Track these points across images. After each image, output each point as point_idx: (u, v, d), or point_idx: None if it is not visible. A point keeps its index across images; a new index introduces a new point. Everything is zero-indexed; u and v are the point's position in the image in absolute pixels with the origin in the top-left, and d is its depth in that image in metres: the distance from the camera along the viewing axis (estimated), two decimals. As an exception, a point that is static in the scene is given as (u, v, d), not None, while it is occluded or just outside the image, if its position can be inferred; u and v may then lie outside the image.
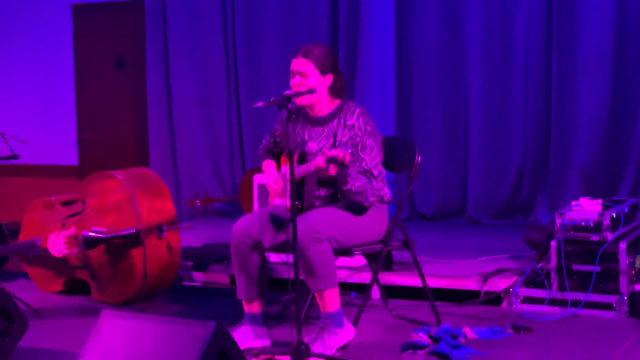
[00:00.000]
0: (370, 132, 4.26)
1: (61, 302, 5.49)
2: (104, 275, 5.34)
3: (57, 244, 5.34)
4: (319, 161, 3.94)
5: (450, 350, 4.12)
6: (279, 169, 4.54)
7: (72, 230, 5.34)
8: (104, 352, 3.37)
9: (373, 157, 4.24)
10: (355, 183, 4.14)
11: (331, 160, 3.88)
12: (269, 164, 4.57)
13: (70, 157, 8.61)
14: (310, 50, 4.28)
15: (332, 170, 3.97)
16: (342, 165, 3.91)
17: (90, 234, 5.24)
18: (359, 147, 4.21)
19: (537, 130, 6.76)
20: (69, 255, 5.40)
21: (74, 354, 3.55)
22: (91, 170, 5.85)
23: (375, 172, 4.24)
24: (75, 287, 5.60)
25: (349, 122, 4.27)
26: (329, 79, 4.30)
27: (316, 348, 4.06)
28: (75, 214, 5.45)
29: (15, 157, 6.98)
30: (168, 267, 5.34)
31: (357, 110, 4.30)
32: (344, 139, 4.24)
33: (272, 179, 4.45)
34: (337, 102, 4.36)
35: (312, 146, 4.22)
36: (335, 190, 4.23)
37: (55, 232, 5.39)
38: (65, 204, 5.63)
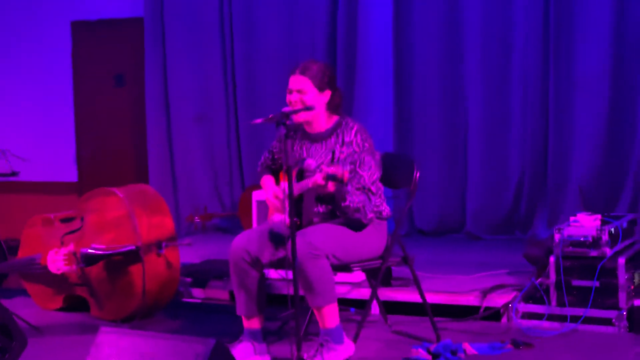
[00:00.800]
0: (368, 148, 4.27)
1: (60, 319, 5.48)
2: (103, 292, 5.34)
3: (56, 261, 5.35)
4: (318, 178, 3.95)
5: (450, 366, 4.13)
6: (277, 185, 4.55)
7: (71, 247, 5.34)
8: (104, 370, 3.37)
9: (371, 174, 4.25)
10: (354, 199, 4.15)
11: (330, 177, 3.88)
12: (267, 180, 4.58)
13: (69, 173, 8.62)
14: (308, 67, 4.29)
15: (331, 187, 3.98)
16: (341, 182, 3.92)
17: (89, 250, 5.25)
18: (357, 164, 4.22)
19: (535, 146, 6.77)
20: (68, 272, 5.40)
21: (74, 371, 3.55)
22: (90, 187, 5.85)
23: (373, 189, 4.25)
24: (74, 304, 5.59)
25: (347, 139, 4.28)
26: (326, 95, 4.32)
27: (315, 364, 4.07)
28: (74, 231, 5.45)
29: (14, 174, 7.00)
30: (167, 283, 5.34)
31: (355, 127, 4.31)
32: (342, 156, 4.25)
33: (271, 193, 4.46)
34: (335, 118, 4.38)
35: (310, 163, 4.23)
36: (333, 207, 4.24)
37: (54, 249, 5.40)
38: (64, 220, 5.63)
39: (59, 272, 5.37)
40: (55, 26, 8.57)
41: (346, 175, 3.87)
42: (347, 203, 4.13)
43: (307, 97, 4.27)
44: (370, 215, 4.26)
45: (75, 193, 8.33)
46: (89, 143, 8.57)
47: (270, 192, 4.47)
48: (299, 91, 4.28)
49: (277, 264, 4.31)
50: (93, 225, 5.37)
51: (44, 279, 5.60)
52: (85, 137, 8.57)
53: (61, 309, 5.63)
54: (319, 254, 4.07)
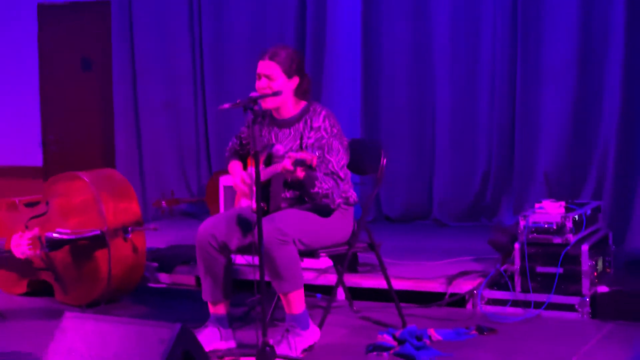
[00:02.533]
0: (337, 134, 4.28)
1: (25, 303, 5.44)
2: (69, 277, 5.31)
3: (21, 245, 5.29)
4: (287, 163, 3.95)
5: (415, 351, 4.15)
6: (245, 171, 4.54)
7: (35, 232, 5.29)
8: (68, 354, 3.35)
9: (339, 160, 4.26)
10: (322, 185, 4.15)
11: (299, 162, 3.88)
12: (235, 165, 4.57)
13: (34, 158, 8.54)
14: (277, 53, 4.29)
15: (300, 173, 3.98)
16: (309, 167, 3.92)
17: (54, 235, 5.21)
18: (326, 149, 4.22)
19: (502, 133, 6.81)
20: (32, 257, 5.35)
21: (39, 356, 3.53)
22: (56, 172, 5.81)
23: (341, 174, 4.26)
24: (39, 289, 5.55)
25: (315, 124, 4.28)
26: (295, 81, 4.31)
27: (281, 350, 4.07)
28: (39, 215, 5.41)
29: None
30: (133, 268, 5.32)
31: (323, 112, 4.31)
32: (310, 141, 4.25)
33: (238, 178, 4.45)
34: (303, 103, 4.38)
35: (279, 148, 4.23)
36: (302, 193, 4.24)
37: (18, 233, 5.35)
38: (29, 205, 5.58)
39: (23, 257, 5.31)
40: (21, 8, 8.47)
41: (315, 161, 3.88)
42: (315, 189, 4.14)
43: (275, 83, 4.27)
44: (338, 201, 4.27)
45: (41, 177, 8.26)
46: (54, 127, 8.49)
47: (237, 177, 4.47)
48: (267, 76, 4.27)
49: (245, 250, 4.30)
50: (58, 209, 5.33)
51: (8, 263, 5.55)
52: (51, 121, 8.50)
53: (25, 294, 5.59)
54: (287, 239, 4.07)
